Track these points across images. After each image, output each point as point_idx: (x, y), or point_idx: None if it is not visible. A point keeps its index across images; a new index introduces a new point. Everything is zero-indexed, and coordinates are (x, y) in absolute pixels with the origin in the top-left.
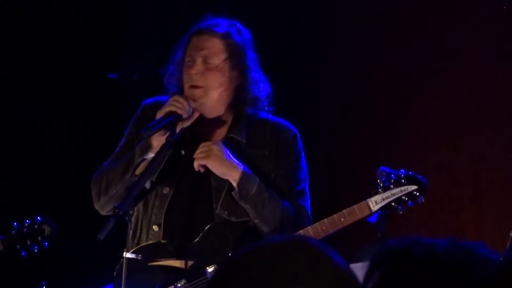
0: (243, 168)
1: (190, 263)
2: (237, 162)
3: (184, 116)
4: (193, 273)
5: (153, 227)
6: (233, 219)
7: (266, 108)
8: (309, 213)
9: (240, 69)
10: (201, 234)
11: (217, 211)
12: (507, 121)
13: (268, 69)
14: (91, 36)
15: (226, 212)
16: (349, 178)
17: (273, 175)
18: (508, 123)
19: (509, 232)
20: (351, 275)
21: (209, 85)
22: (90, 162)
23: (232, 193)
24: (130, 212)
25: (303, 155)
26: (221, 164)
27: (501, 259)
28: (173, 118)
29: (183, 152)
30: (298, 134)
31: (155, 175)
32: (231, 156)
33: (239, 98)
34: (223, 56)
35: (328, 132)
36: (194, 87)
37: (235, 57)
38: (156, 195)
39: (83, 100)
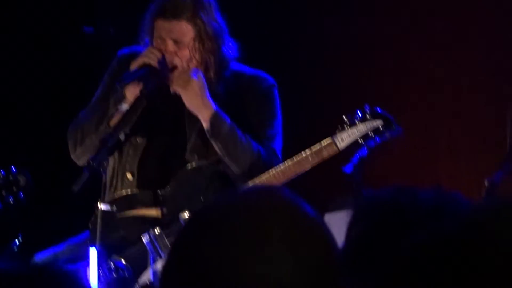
0: (216, 109)
1: (164, 210)
2: (212, 102)
3: (159, 68)
4: (167, 221)
5: (127, 175)
6: (203, 162)
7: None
8: (280, 158)
9: (210, 40)
10: (171, 181)
11: (186, 156)
12: (479, 76)
13: (244, 18)
14: None
15: (196, 156)
16: (323, 130)
17: (248, 121)
18: (479, 78)
19: (484, 182)
20: (324, 227)
21: (183, 62)
22: (65, 115)
23: (205, 129)
24: (105, 163)
25: (278, 105)
26: (195, 98)
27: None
28: (148, 70)
29: (157, 104)
30: (275, 85)
31: (129, 127)
32: (208, 95)
33: (214, 64)
34: (191, 34)
35: (306, 80)
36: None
37: (204, 32)
38: (130, 145)
39: (58, 54)
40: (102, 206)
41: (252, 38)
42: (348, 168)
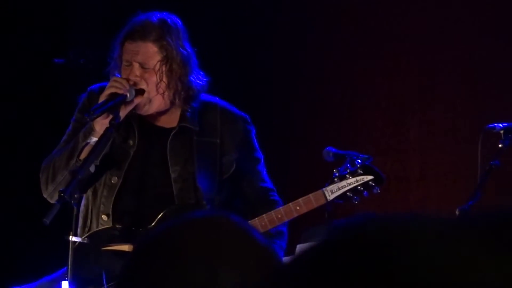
0: None
1: None
2: None
3: (127, 95)
4: None
5: (102, 216)
6: (190, 201)
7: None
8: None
9: (177, 65)
10: (156, 219)
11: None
12: (451, 101)
13: (215, 54)
14: (37, 20)
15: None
16: (296, 160)
17: (243, 166)
18: (452, 104)
19: (455, 211)
20: (272, 252)
21: (149, 86)
22: (36, 148)
23: None
24: (76, 196)
25: (255, 140)
26: None
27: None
28: (116, 101)
29: (131, 142)
30: (248, 119)
31: (99, 159)
32: None
33: (182, 91)
34: (158, 57)
35: (276, 115)
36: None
37: (171, 56)
38: (104, 185)
39: (29, 85)
40: (73, 239)
41: (224, 70)
42: None
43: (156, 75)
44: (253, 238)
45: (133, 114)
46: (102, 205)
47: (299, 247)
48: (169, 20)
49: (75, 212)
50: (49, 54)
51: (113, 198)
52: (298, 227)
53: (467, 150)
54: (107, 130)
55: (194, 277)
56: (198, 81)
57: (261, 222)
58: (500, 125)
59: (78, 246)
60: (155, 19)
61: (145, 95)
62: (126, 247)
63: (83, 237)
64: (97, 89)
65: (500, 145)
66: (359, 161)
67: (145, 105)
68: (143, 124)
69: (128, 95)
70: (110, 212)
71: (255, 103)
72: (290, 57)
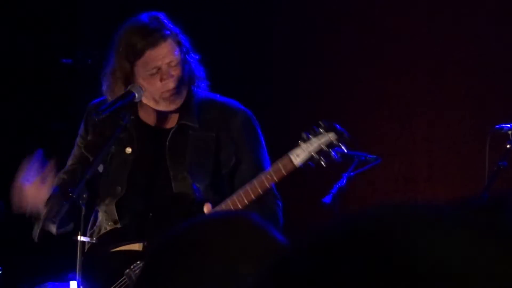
0: None
1: (146, 244)
2: None
3: (135, 95)
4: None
5: (109, 223)
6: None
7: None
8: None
9: (185, 55)
10: (155, 222)
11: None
12: (458, 102)
13: (214, 53)
14: (45, 21)
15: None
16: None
17: (239, 160)
18: (459, 104)
19: None
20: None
21: (179, 81)
22: (43, 148)
23: None
24: (84, 196)
25: (260, 134)
26: None
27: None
28: (125, 101)
29: (129, 150)
30: (249, 115)
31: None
32: None
33: (189, 72)
34: (178, 49)
35: (280, 117)
36: (171, 90)
37: (181, 43)
38: (108, 194)
39: (36, 85)
40: (82, 239)
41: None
42: (327, 199)
43: (181, 66)
44: (272, 237)
45: (131, 120)
46: (106, 214)
47: None
48: (156, 14)
49: (83, 213)
50: (57, 55)
51: (118, 205)
52: (303, 226)
53: (475, 151)
54: (115, 130)
55: (213, 274)
56: (200, 69)
57: (238, 198)
58: (508, 125)
59: (86, 247)
60: (149, 19)
61: (173, 90)
62: (136, 246)
63: (92, 238)
64: (97, 103)
65: (508, 146)
66: (325, 121)
67: (177, 95)
68: (141, 128)
69: (136, 95)
70: (117, 218)
71: (256, 103)
72: (293, 57)
